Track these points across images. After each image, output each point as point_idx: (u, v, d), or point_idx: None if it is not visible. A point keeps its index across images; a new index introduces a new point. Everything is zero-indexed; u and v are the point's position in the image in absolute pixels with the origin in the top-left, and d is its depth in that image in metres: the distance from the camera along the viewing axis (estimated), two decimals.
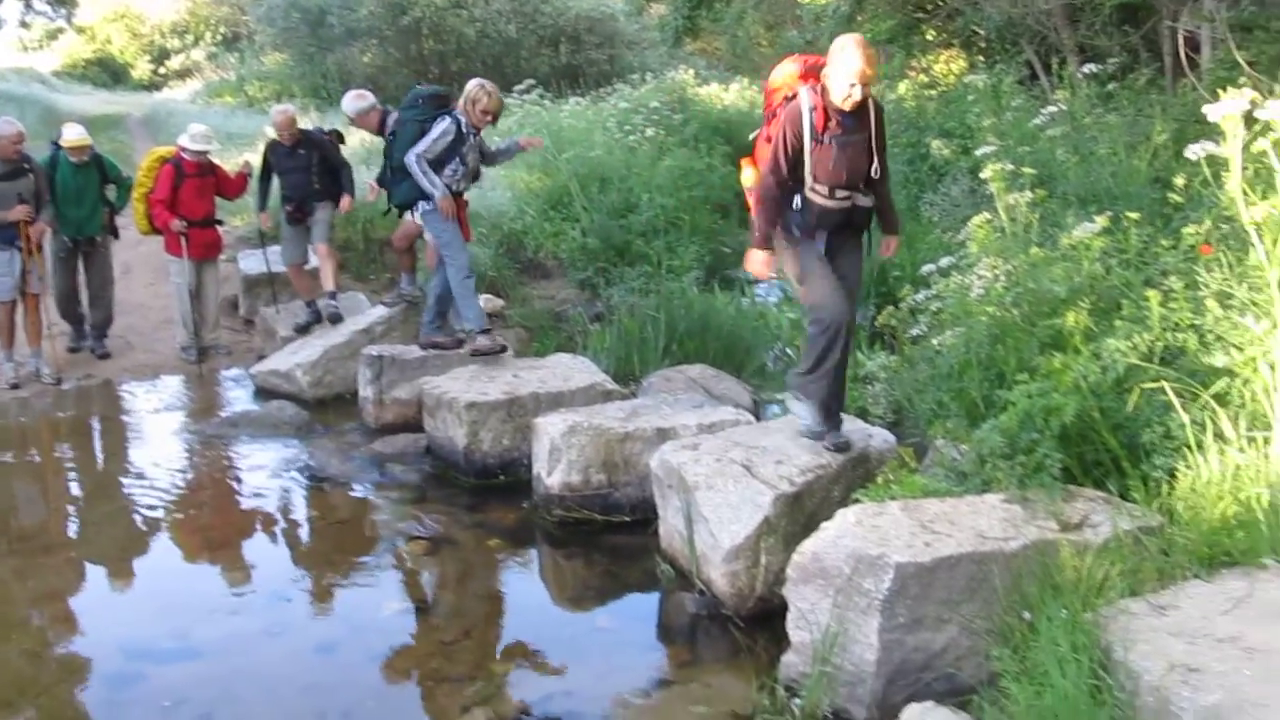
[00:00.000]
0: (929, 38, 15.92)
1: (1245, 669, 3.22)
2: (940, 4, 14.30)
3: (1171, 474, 4.25)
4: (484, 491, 6.51)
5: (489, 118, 7.50)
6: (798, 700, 4.04)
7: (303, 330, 9.12)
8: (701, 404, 6.46)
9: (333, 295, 9.11)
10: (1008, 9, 12.02)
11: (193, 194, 9.09)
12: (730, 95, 19.22)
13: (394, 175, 7.82)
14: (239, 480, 6.91)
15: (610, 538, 5.81)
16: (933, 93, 13.70)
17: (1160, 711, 3.17)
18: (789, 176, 4.97)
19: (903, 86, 14.70)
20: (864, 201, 5.11)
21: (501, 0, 26.19)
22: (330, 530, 6.24)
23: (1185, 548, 3.91)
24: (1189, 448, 4.18)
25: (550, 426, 5.99)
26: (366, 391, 7.74)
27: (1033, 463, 4.34)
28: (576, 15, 27.26)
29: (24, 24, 50.61)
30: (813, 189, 4.98)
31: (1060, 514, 4.16)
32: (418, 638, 4.93)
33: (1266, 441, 4.07)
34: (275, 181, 9.18)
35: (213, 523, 6.35)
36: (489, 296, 10.12)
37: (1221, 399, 4.21)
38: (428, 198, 7.40)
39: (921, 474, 4.88)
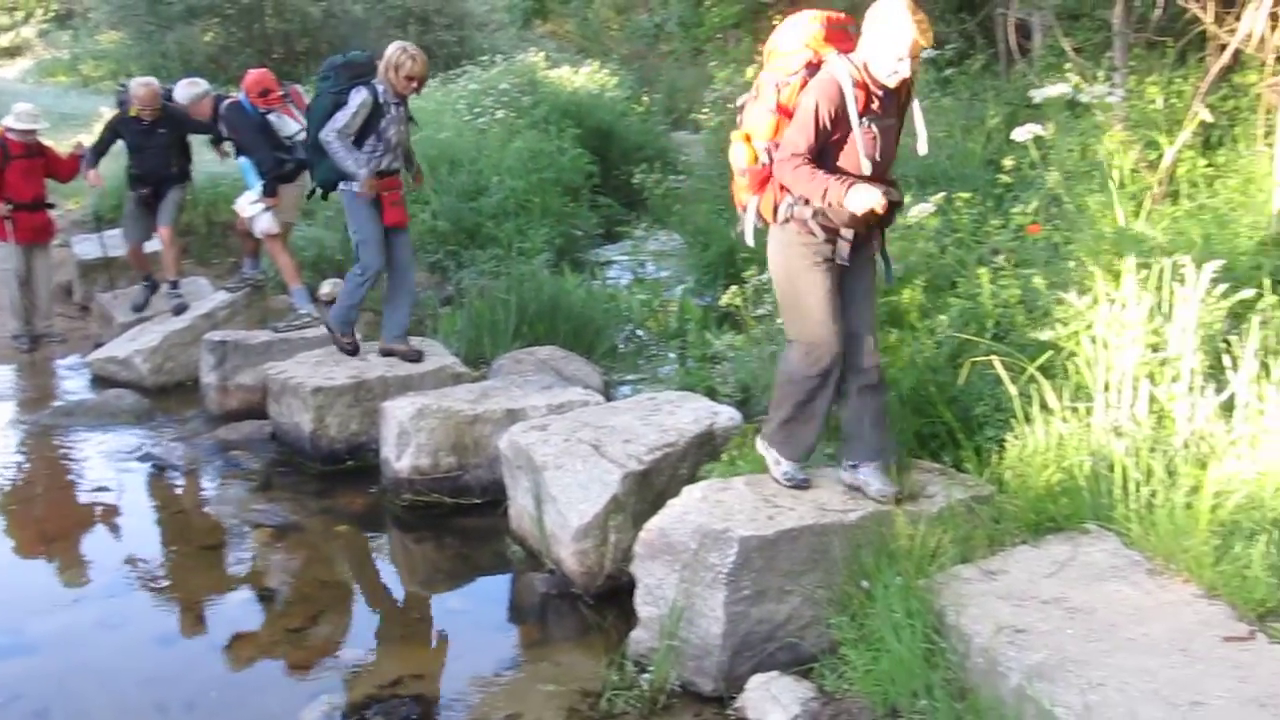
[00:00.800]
0: (776, 22, 16.08)
1: (1068, 629, 3.39)
2: None
3: (1002, 445, 4.42)
4: (332, 477, 6.42)
5: (414, 84, 6.66)
6: (646, 675, 4.09)
7: (139, 309, 8.84)
8: (551, 385, 6.47)
9: (175, 284, 8.78)
10: None
11: (19, 176, 8.72)
12: (580, 78, 19.18)
13: (312, 154, 6.93)
14: (76, 471, 6.69)
15: (460, 520, 5.79)
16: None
17: (989, 671, 3.31)
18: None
19: (750, 71, 14.85)
20: (895, 195, 4.20)
21: None
22: (173, 520, 6.10)
23: (1014, 515, 4.08)
24: (1017, 419, 4.35)
25: (398, 410, 5.94)
26: (209, 378, 7.56)
27: None
28: None
29: None
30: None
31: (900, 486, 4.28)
32: (263, 626, 4.86)
33: (1089, 412, 4.25)
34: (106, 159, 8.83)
35: (49, 515, 6.15)
36: (336, 280, 9.95)
37: (1048, 372, 4.38)
38: (348, 178, 6.67)
39: None
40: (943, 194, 5.28)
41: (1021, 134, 4.62)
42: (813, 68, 4.12)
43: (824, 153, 4.08)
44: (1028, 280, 4.73)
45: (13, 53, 43.90)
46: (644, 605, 4.22)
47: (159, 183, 8.70)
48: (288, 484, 6.38)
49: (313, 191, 7.24)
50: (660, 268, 10.87)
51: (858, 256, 4.21)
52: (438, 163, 11.90)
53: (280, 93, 8.17)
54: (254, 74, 8.23)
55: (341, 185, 6.76)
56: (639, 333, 8.67)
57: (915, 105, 4.28)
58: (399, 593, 5.33)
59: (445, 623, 4.98)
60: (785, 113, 4.18)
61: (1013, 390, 4.36)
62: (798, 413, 4.30)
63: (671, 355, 8.06)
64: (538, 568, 5.07)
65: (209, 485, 6.50)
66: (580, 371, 7.08)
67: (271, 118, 8.06)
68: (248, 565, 5.47)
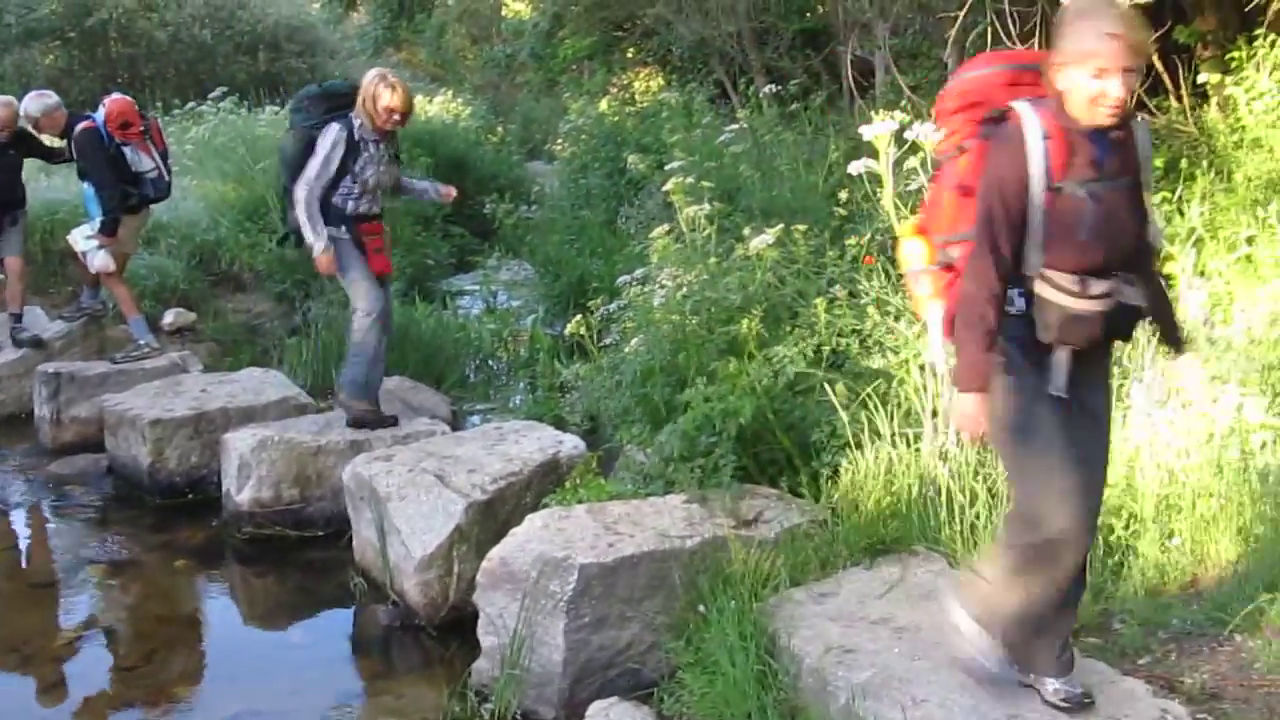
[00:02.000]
0: (628, 55, 16.31)
1: (895, 647, 3.49)
2: (637, 23, 14.68)
3: (836, 470, 4.53)
4: (171, 511, 6.27)
5: (396, 117, 5.92)
6: (488, 705, 4.09)
7: None
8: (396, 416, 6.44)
9: (19, 318, 8.37)
10: (699, 30, 12.47)
11: None
12: (434, 107, 19.14)
13: (285, 198, 6.16)
14: None
15: (303, 553, 5.71)
16: (631, 109, 14.05)
17: (819, 690, 3.39)
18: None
19: (604, 103, 15.02)
20: (1132, 296, 2.98)
21: (195, 5, 25.22)
22: (4, 557, 5.90)
23: (846, 538, 4.19)
24: (851, 445, 4.47)
25: (239, 442, 5.85)
26: (43, 410, 7.32)
27: (711, 464, 4.55)
28: (275, 22, 26.49)
29: None
30: (1047, 279, 2.93)
31: (736, 511, 4.37)
32: (96, 664, 4.73)
33: (917, 438, 4.40)
34: None
35: None
36: (180, 310, 9.76)
37: (880, 398, 4.52)
38: (333, 222, 6.00)
39: (610, 479, 5.03)
40: (781, 225, 5.41)
41: (856, 168, 4.76)
42: (996, 124, 2.99)
43: (1020, 237, 2.93)
44: (862, 310, 4.87)
45: None
46: (486, 635, 4.21)
47: (8, 206, 8.24)
48: (124, 519, 6.23)
49: (285, 237, 6.67)
50: (512, 297, 10.87)
51: (1084, 378, 3.02)
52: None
53: (140, 127, 7.75)
54: (117, 103, 7.76)
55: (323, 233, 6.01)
56: (490, 362, 8.67)
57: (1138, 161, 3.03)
58: (239, 628, 5.23)
59: (285, 657, 4.91)
60: (966, 194, 3.09)
61: (845, 417, 4.49)
62: (1029, 603, 3.07)
63: (522, 385, 8.08)
64: (381, 600, 5.03)
65: (42, 521, 6.30)
66: (428, 402, 7.06)
67: (126, 150, 7.66)
68: (82, 603, 5.33)
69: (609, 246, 9.37)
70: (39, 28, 24.52)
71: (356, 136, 5.90)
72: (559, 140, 15.79)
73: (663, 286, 5.36)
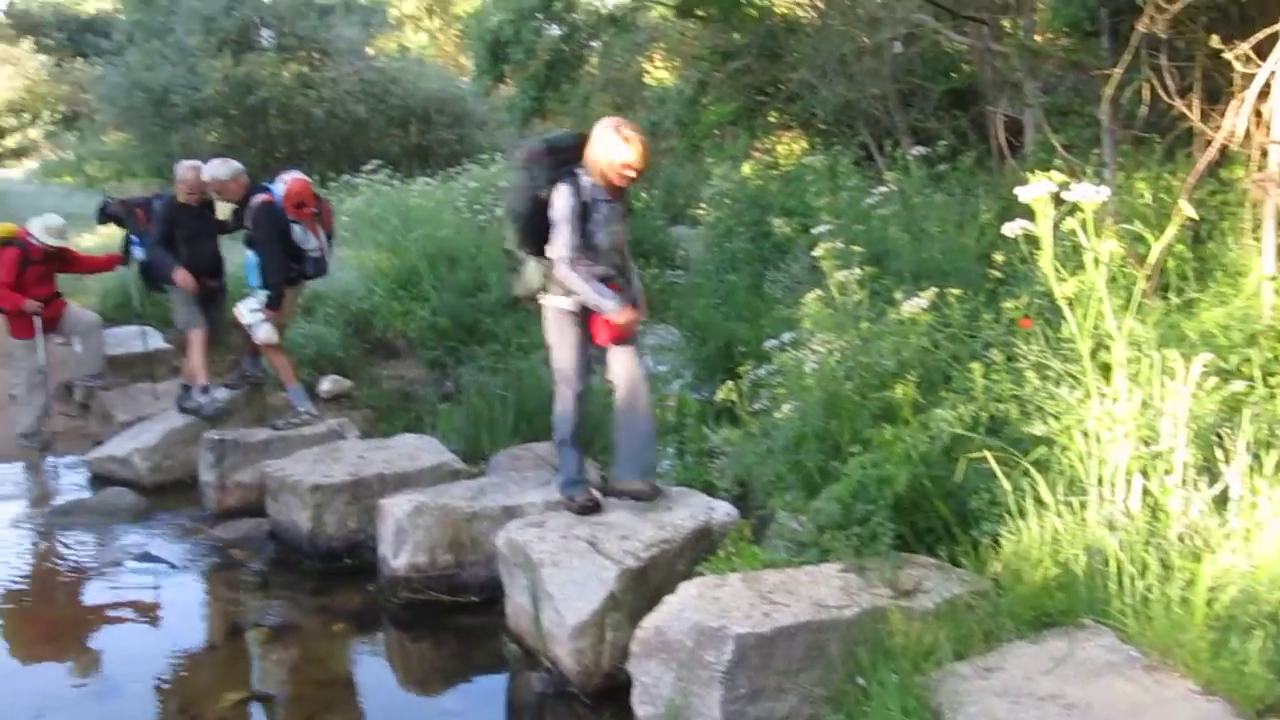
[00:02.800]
0: (771, 119, 16.39)
1: None
2: (780, 87, 14.76)
3: (997, 539, 4.41)
4: (329, 575, 6.40)
5: (632, 173, 5.32)
6: None
7: (203, 411, 8.36)
8: (549, 481, 6.45)
9: (187, 389, 8.49)
10: (844, 93, 12.49)
11: (37, 279, 8.84)
12: None
13: (510, 260, 5.69)
14: (74, 571, 6.65)
15: (458, 618, 5.74)
16: (775, 172, 14.08)
17: None
18: None
19: (747, 167, 15.08)
20: None
21: (350, 81, 26.17)
22: (170, 620, 6.05)
23: (1010, 610, 4.06)
24: (1012, 514, 4.35)
25: (395, 507, 5.94)
26: (208, 476, 7.56)
27: (868, 532, 4.47)
28: (426, 96, 27.36)
29: None
30: None
31: (894, 581, 4.28)
32: None
33: (1083, 506, 4.26)
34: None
35: (46, 615, 6.12)
36: (336, 377, 10.02)
37: (1041, 466, 4.40)
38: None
39: (763, 546, 4.98)
40: (934, 289, 5.33)
41: (1012, 229, 4.66)
42: None
43: None
44: (1020, 375, 4.76)
45: (19, 154, 44.65)
46: (641, 704, 4.19)
47: (213, 273, 8.45)
48: (285, 582, 6.36)
49: (515, 301, 6.25)
50: (658, 362, 10.89)
51: None
52: (437, 260, 12.04)
53: (314, 209, 8.01)
54: (298, 183, 7.99)
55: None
56: None
57: None
58: (395, 693, 5.28)
59: None
60: None
61: (1007, 485, 4.37)
62: None
63: (670, 450, 8.07)
64: (535, 666, 5.03)
65: (206, 584, 6.47)
66: None
67: (296, 228, 7.92)
68: (244, 666, 5.44)
69: (755, 310, 9.35)
70: (204, 107, 25.70)
71: (586, 198, 5.34)
72: (702, 205, 15.86)
73: (814, 352, 5.31)
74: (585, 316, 5.47)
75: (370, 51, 30.03)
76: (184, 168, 8.40)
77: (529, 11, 15.63)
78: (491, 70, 16.37)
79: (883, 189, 9.05)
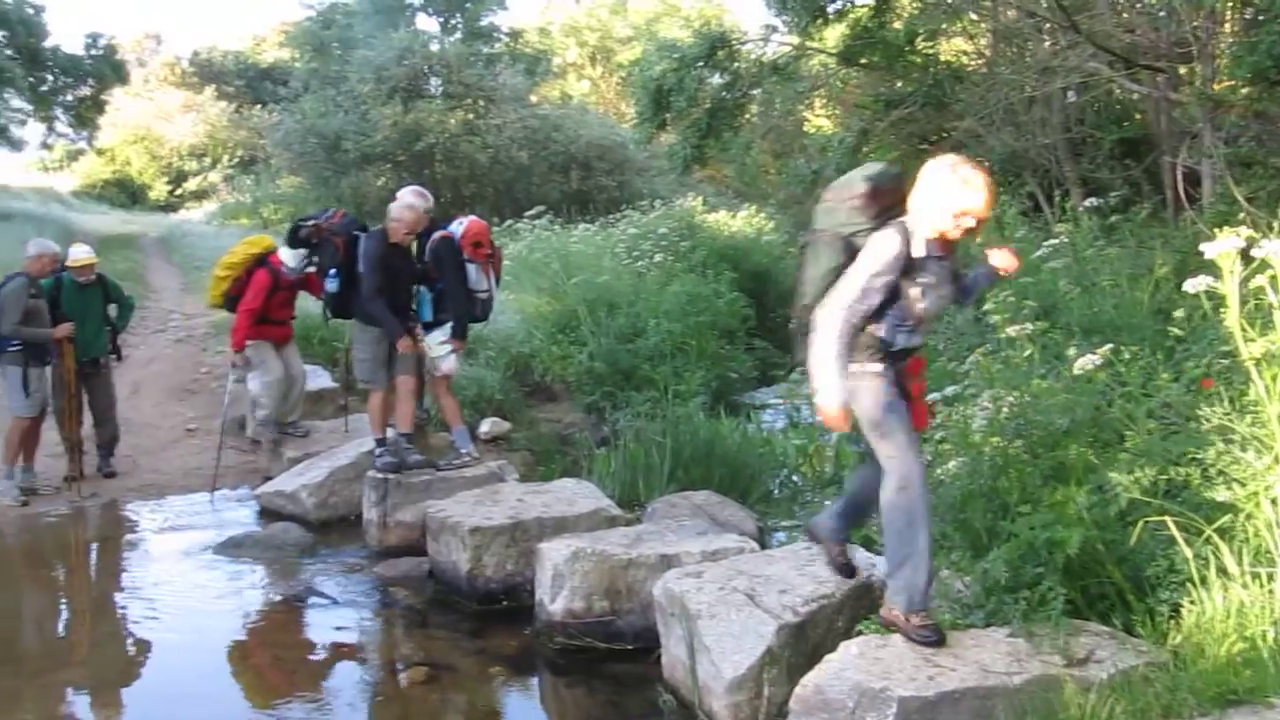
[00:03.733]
0: None
1: None
2: (945, 136, 14.58)
3: (1176, 609, 4.22)
4: (487, 617, 6.45)
5: (971, 222, 4.38)
6: None
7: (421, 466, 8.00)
8: (706, 531, 6.44)
9: (381, 440, 8.03)
10: (1011, 142, 12.27)
11: (281, 303, 9.26)
12: (738, 222, 19.50)
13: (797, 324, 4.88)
14: (240, 604, 6.86)
15: (613, 666, 5.72)
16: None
17: None
18: None
19: None
20: None
21: (514, 128, 26.77)
22: (330, 655, 6.19)
23: (1191, 685, 3.87)
24: (1193, 583, 4.16)
25: (554, 552, 5.97)
26: (371, 514, 7.72)
27: (1037, 596, 4.33)
28: (587, 143, 27.82)
29: (46, 145, 51.64)
30: None
31: (1065, 649, 4.13)
32: None
33: (1271, 578, 4.05)
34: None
35: (213, 646, 6.27)
36: (496, 419, 10.17)
37: (1225, 534, 4.20)
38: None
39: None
40: (1109, 345, 5.17)
41: (1194, 285, 4.49)
42: None
43: None
44: (1202, 437, 4.56)
45: (200, 196, 46.74)
46: None
47: (408, 315, 8.13)
48: (444, 623, 6.43)
49: (793, 369, 5.24)
50: (816, 412, 10.80)
51: None
52: (596, 305, 12.18)
53: (489, 251, 8.10)
54: (476, 224, 8.11)
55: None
56: (794, 478, 8.61)
57: None
58: None
59: None
60: None
61: (1188, 552, 4.18)
62: None
63: (827, 502, 7.95)
64: (690, 718, 4.98)
65: (367, 621, 6.58)
66: (735, 517, 7.03)
67: (471, 268, 8.00)
68: (402, 705, 5.51)
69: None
70: (373, 152, 26.59)
71: (917, 252, 4.43)
72: None
73: (983, 408, 5.19)
74: (899, 379, 4.60)
75: (534, 99, 30.77)
76: (404, 206, 8.05)
77: (691, 60, 15.76)
78: (653, 118, 16.52)
79: (1052, 240, 8.82)
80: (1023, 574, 4.43)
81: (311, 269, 8.72)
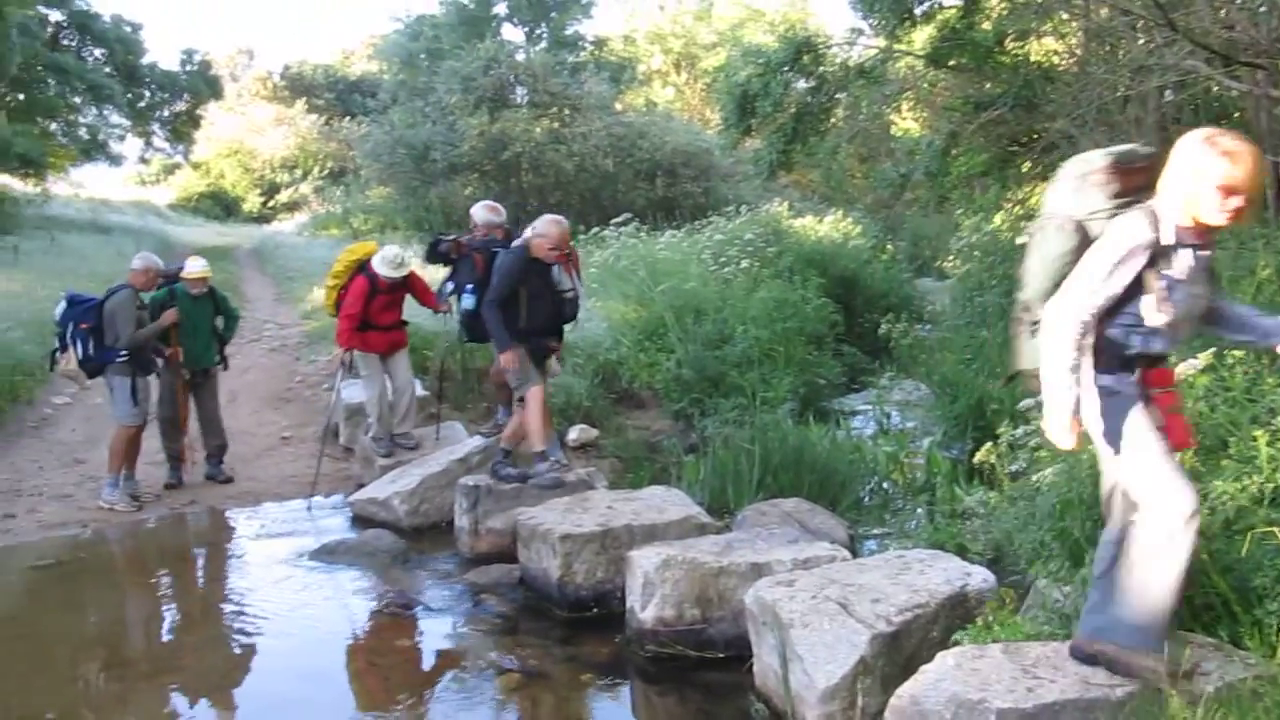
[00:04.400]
0: (1024, 170, 15.97)
1: None
2: (1036, 137, 14.36)
3: None
4: (577, 624, 6.46)
5: (1236, 203, 3.73)
6: None
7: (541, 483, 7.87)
8: (796, 539, 6.39)
9: (544, 455, 7.88)
10: (1104, 143, 12.01)
11: (382, 308, 9.32)
12: (824, 227, 19.39)
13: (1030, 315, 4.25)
14: (334, 609, 6.95)
15: (704, 674, 5.70)
16: (1029, 224, 13.65)
17: None
18: None
19: (998, 218, 14.72)
20: None
21: (599, 136, 26.89)
22: (422, 661, 6.24)
23: None
24: None
25: (644, 560, 5.97)
26: (462, 521, 7.78)
27: None
28: (673, 149, 27.85)
29: (143, 159, 53.08)
30: None
31: (1170, 661, 4.02)
32: None
33: None
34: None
35: (310, 650, 6.37)
36: (584, 427, 10.20)
37: None
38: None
39: (1022, 615, 4.78)
40: (1211, 350, 5.04)
41: None
42: None
43: None
44: None
45: (291, 208, 47.64)
46: None
47: (554, 332, 7.95)
48: (534, 629, 6.45)
49: (1012, 378, 4.81)
50: (906, 418, 10.71)
51: None
52: (683, 312, 12.18)
53: (566, 251, 7.99)
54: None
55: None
56: (884, 485, 8.52)
57: None
58: None
59: None
60: None
61: None
62: None
63: (918, 510, 7.88)
64: None
65: (460, 628, 6.62)
66: (825, 525, 6.98)
67: (553, 269, 7.95)
68: (494, 711, 5.53)
69: (1009, 368, 9.04)
70: (461, 162, 26.85)
71: (1167, 239, 3.84)
72: (950, 257, 15.57)
73: None
74: (1145, 392, 3.98)
75: (619, 107, 30.87)
76: (549, 221, 7.80)
77: (777, 65, 15.71)
78: (739, 124, 16.49)
79: None
80: None
81: (402, 273, 9.01)
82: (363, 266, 9.23)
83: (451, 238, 8.51)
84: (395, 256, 9.23)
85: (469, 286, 8.19)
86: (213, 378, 9.70)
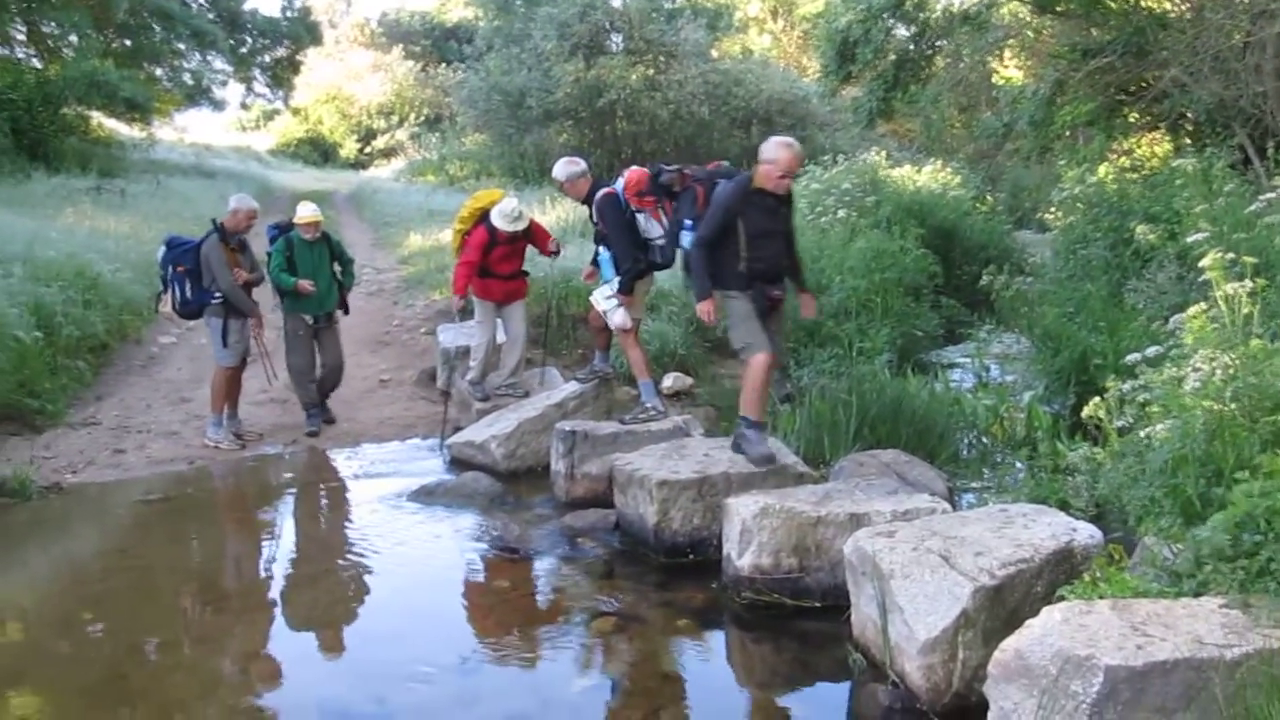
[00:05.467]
0: (1131, 120, 15.54)
1: None
2: (1145, 86, 13.96)
3: None
4: (672, 570, 6.48)
5: None
6: None
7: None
8: (895, 490, 6.33)
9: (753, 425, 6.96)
10: (1220, 91, 11.66)
11: (501, 258, 9.38)
12: (923, 177, 19.06)
13: None
14: (434, 549, 7.04)
15: (800, 623, 5.69)
16: (1135, 176, 13.31)
17: None
18: None
19: (1103, 169, 14.36)
20: None
21: (695, 83, 26.65)
22: (520, 602, 6.29)
23: None
24: None
25: (742, 507, 5.95)
26: (558, 465, 7.82)
27: (1255, 566, 4.12)
28: (769, 97, 27.55)
29: (244, 105, 53.84)
30: None
31: None
32: (606, 715, 4.91)
33: None
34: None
35: (408, 588, 6.47)
36: (678, 375, 10.19)
37: None
38: None
39: (1129, 573, 4.68)
40: None
41: None
42: None
43: None
44: None
45: (388, 154, 48.05)
46: None
47: (775, 279, 7.21)
48: (630, 574, 6.48)
49: None
50: (1006, 372, 10.53)
51: None
52: None
53: (654, 200, 7.97)
54: (636, 173, 8.12)
55: None
56: (983, 439, 8.41)
57: None
58: (737, 694, 5.27)
59: None
60: None
61: None
62: None
63: (1018, 465, 7.75)
64: (880, 679, 4.91)
65: (554, 571, 6.68)
66: (924, 477, 6.90)
67: (640, 217, 8.04)
68: (590, 653, 5.57)
69: (1113, 322, 8.86)
70: (555, 110, 26.83)
71: None
72: (1052, 209, 15.23)
73: (1195, 369, 4.94)
74: None
75: (715, 54, 30.54)
76: (779, 144, 6.89)
77: (879, 11, 15.45)
78: (838, 71, 16.27)
79: (1268, 195, 8.35)
80: (1240, 543, 4.22)
81: (519, 227, 9.12)
82: (484, 216, 9.25)
83: (675, 168, 8.09)
84: (513, 210, 9.22)
85: (687, 223, 7.37)
86: (335, 323, 9.81)
